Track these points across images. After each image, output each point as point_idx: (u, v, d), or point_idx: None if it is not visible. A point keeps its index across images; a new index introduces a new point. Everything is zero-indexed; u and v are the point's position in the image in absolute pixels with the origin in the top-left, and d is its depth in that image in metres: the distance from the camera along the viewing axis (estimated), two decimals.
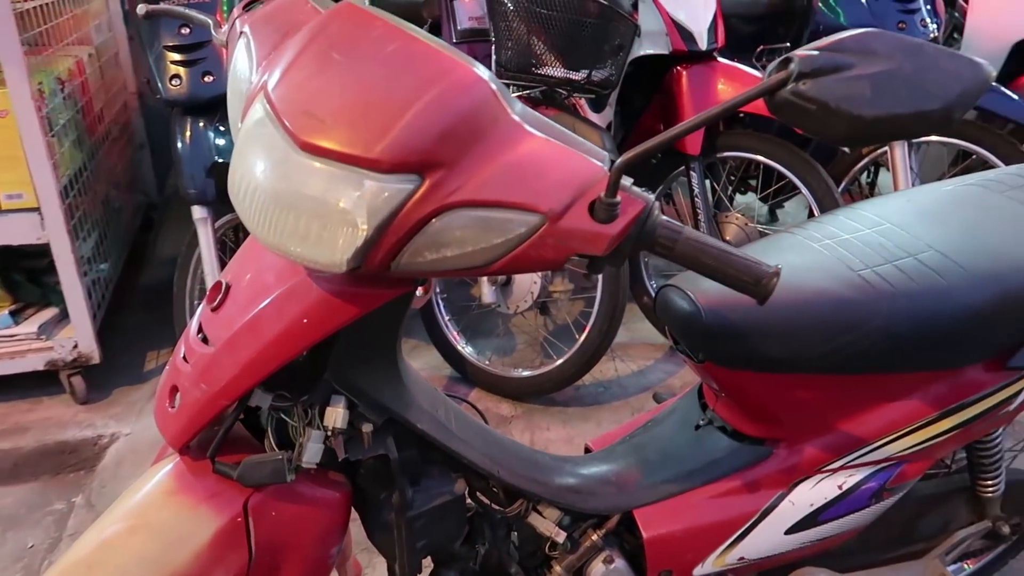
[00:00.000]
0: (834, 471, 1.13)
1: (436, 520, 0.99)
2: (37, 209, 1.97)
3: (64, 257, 2.03)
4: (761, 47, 2.91)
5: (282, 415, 0.88)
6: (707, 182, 2.18)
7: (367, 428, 0.89)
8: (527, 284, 2.05)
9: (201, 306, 0.89)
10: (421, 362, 2.36)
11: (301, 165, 0.69)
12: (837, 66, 0.66)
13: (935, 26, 2.26)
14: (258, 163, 0.71)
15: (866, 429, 1.11)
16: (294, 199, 0.69)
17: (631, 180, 0.77)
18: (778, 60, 0.69)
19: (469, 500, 1.09)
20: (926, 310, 1.02)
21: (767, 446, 1.14)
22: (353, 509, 0.99)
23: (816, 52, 0.67)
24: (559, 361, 2.07)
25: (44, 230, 1.99)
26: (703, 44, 2.08)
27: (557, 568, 1.12)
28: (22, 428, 2.12)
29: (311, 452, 0.86)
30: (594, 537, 1.12)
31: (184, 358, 0.87)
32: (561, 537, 1.10)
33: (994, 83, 2.32)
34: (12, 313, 2.20)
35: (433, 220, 0.70)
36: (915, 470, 1.16)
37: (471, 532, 1.12)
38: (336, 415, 0.87)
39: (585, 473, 1.17)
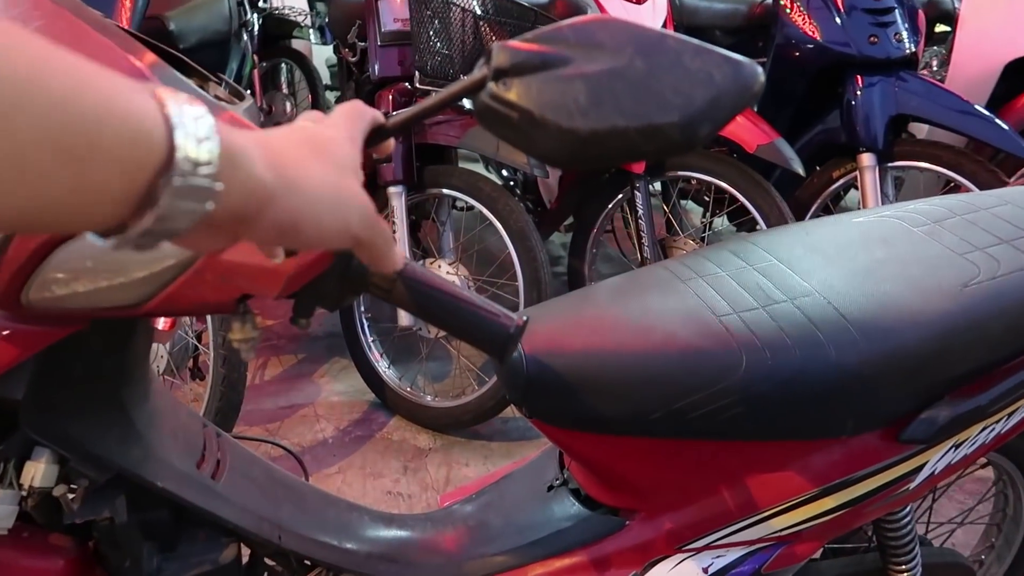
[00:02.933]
0: (698, 551, 0.95)
1: None
2: None
3: None
4: None
5: None
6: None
7: (81, 488, 0.74)
8: None
9: None
10: (345, 385, 2.22)
11: None
12: (546, 62, 0.49)
13: (912, 43, 2.07)
14: None
15: (733, 504, 0.93)
16: None
17: None
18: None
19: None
20: (792, 368, 0.84)
21: (621, 517, 0.97)
22: None
23: (525, 43, 0.51)
24: (479, 392, 1.91)
25: None
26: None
27: None
28: None
29: None
30: None
31: None
32: None
33: (984, 109, 2.13)
34: None
35: (58, 248, 0.55)
36: (799, 552, 0.97)
37: None
38: (36, 471, 0.72)
39: (407, 536, 1.01)
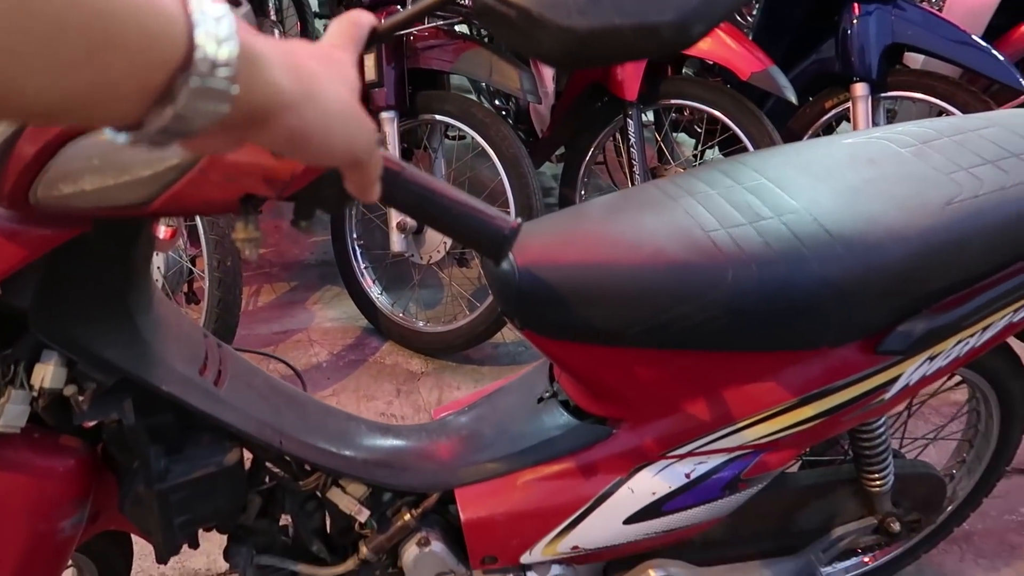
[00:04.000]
0: (681, 457, 1.00)
1: (200, 493, 0.88)
2: None
3: None
4: None
5: None
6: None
7: (89, 390, 0.77)
8: (440, 234, 1.90)
9: None
10: (338, 311, 2.25)
11: None
12: None
13: None
14: None
15: (717, 413, 0.98)
16: None
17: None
18: None
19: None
20: (776, 280, 0.87)
21: (608, 426, 1.01)
22: None
23: None
24: (470, 317, 1.94)
25: None
26: None
27: (363, 549, 1.01)
28: None
29: (10, 415, 0.74)
30: (407, 516, 1.01)
31: None
32: (363, 515, 0.99)
33: (982, 40, 2.12)
34: None
35: (65, 146, 0.56)
36: (777, 460, 1.02)
37: (270, 505, 1.01)
38: (46, 373, 0.75)
39: (404, 445, 1.05)
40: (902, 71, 2.16)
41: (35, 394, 0.75)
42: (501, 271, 0.89)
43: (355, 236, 2.08)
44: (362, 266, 2.09)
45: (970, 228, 0.91)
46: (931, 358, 0.98)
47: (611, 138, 2.15)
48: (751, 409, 0.97)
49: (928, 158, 1.00)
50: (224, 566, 1.57)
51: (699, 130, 2.48)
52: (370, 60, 1.79)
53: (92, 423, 0.82)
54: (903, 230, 0.90)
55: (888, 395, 0.99)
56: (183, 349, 0.86)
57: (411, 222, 1.90)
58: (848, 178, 0.98)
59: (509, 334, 2.08)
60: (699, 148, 2.47)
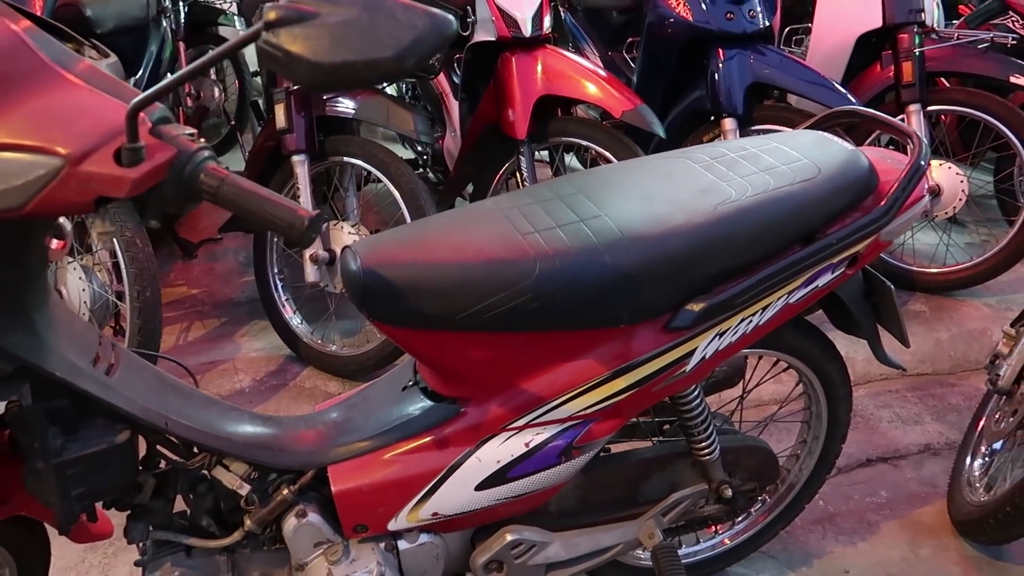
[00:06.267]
0: (520, 429, 1.17)
1: (93, 468, 1.02)
2: None
3: None
4: (630, 38, 2.98)
5: None
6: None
7: None
8: None
9: None
10: (263, 343, 2.40)
11: None
12: (301, 16, 0.70)
13: (767, 18, 2.32)
14: None
15: (544, 388, 1.15)
16: None
17: (188, 130, 0.81)
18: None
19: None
20: (574, 270, 1.07)
21: (457, 405, 1.18)
22: None
23: (288, 2, 0.72)
24: (381, 340, 2.11)
25: None
26: (527, 31, 2.13)
27: (248, 521, 1.16)
28: None
29: None
30: (285, 492, 1.15)
31: None
32: (245, 490, 1.14)
33: (841, 80, 2.40)
34: None
35: None
36: (603, 429, 1.20)
37: (164, 485, 1.16)
38: None
39: (282, 430, 1.20)
40: (767, 107, 2.43)
41: None
42: (352, 272, 1.07)
43: (276, 270, 2.25)
44: (283, 297, 2.25)
45: (735, 224, 1.12)
46: (720, 334, 1.18)
47: (512, 174, 2.36)
48: (572, 383, 1.15)
49: (713, 170, 1.21)
50: None
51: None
52: (280, 109, 1.99)
53: None
54: (680, 227, 1.10)
55: (688, 367, 1.18)
56: (76, 342, 1.02)
57: (323, 253, 2.08)
58: (644, 188, 1.19)
59: None
60: None
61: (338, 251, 2.11)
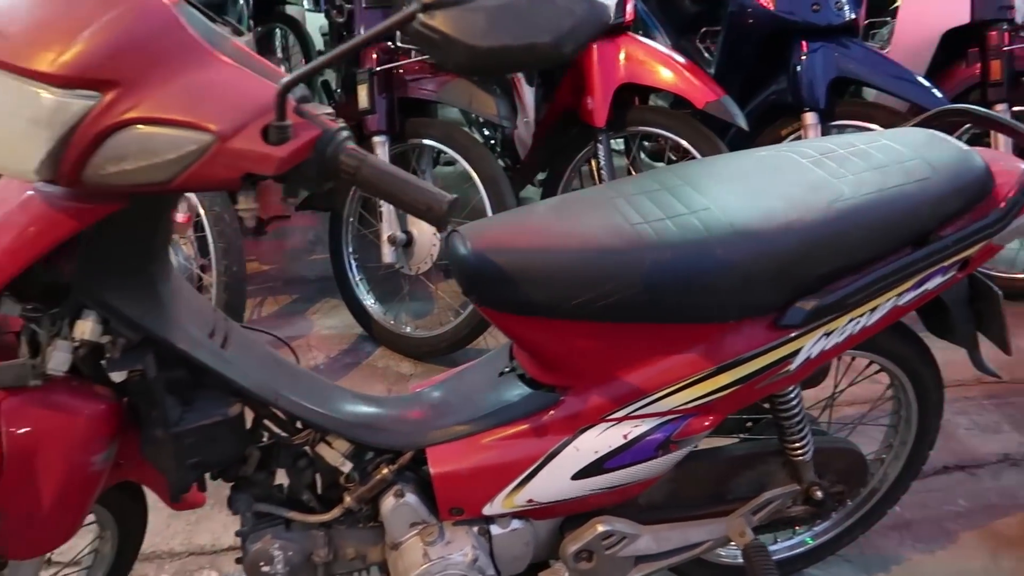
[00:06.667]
0: (619, 420, 1.17)
1: (207, 439, 1.05)
2: None
3: None
4: (704, 28, 2.94)
5: (34, 326, 0.94)
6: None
7: (119, 343, 0.95)
8: (427, 246, 2.10)
9: None
10: (335, 321, 2.43)
11: None
12: None
13: (852, 11, 2.27)
14: None
15: (646, 380, 1.15)
16: None
17: (326, 110, 0.81)
18: None
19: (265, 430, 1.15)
20: (686, 263, 1.06)
21: (556, 393, 1.18)
22: None
23: None
24: (455, 322, 2.13)
25: None
26: (610, 18, 2.10)
27: (347, 499, 1.18)
28: None
29: (56, 360, 0.92)
30: (385, 471, 1.17)
31: None
32: (347, 468, 1.16)
33: (926, 76, 2.33)
34: None
35: (113, 135, 0.75)
36: (701, 424, 1.19)
37: (267, 459, 1.18)
38: (85, 328, 0.93)
39: (383, 411, 1.22)
40: (849, 102, 2.37)
41: (76, 345, 0.93)
42: (461, 256, 1.07)
43: (351, 250, 2.28)
44: (357, 278, 2.28)
45: (849, 223, 1.10)
46: (827, 334, 1.16)
47: (586, 162, 2.35)
48: (675, 377, 1.14)
49: (823, 166, 1.19)
50: (227, 543, 1.74)
51: (674, 158, 2.69)
52: (363, 90, 2.00)
53: (120, 379, 0.99)
54: (793, 223, 1.09)
55: (793, 366, 1.17)
56: (195, 316, 1.04)
57: (400, 235, 2.10)
58: (754, 183, 1.17)
59: (491, 339, 2.26)
60: None
61: (414, 232, 2.12)
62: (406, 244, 2.11)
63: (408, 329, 2.22)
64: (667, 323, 1.10)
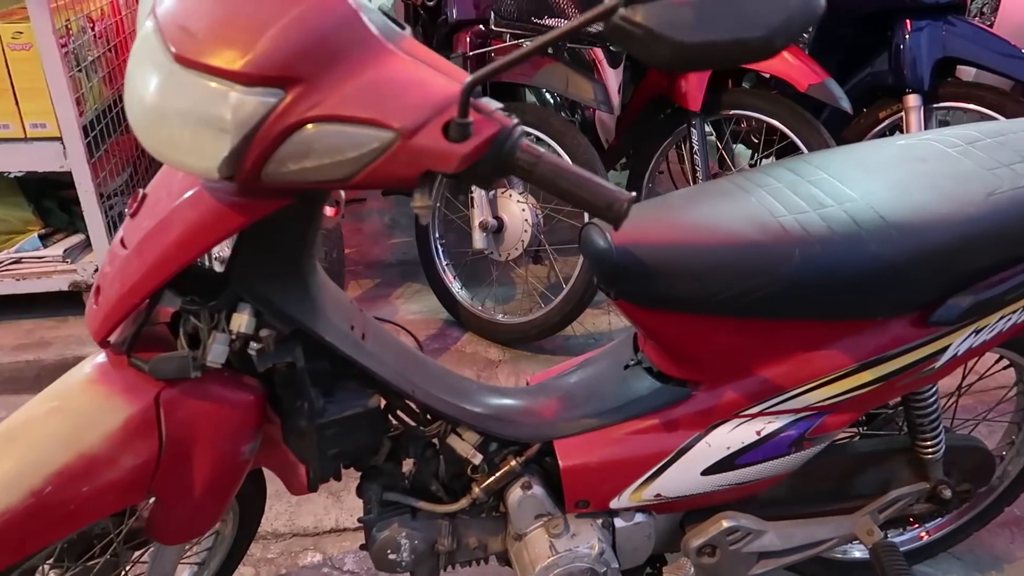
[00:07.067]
0: (752, 416, 1.15)
1: (348, 430, 1.05)
2: (59, 139, 2.09)
3: (85, 186, 2.15)
4: None
5: (193, 318, 0.95)
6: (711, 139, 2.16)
7: (271, 335, 0.95)
8: (518, 232, 2.08)
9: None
10: (420, 305, 2.43)
11: (177, 78, 0.74)
12: None
13: None
14: (143, 75, 0.77)
15: (784, 376, 1.12)
16: (170, 110, 0.75)
17: (499, 105, 0.80)
18: None
19: (395, 420, 1.16)
20: (837, 258, 1.02)
21: (688, 388, 1.16)
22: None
23: None
24: (545, 310, 2.11)
25: (66, 159, 2.12)
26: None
27: (476, 489, 1.18)
28: (45, 343, 2.28)
29: (215, 352, 0.92)
30: (513, 463, 1.16)
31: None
32: (478, 459, 1.15)
33: None
34: (41, 237, 2.35)
35: (295, 133, 0.75)
36: (837, 422, 1.16)
37: (396, 449, 1.18)
38: (241, 320, 0.93)
39: (510, 403, 1.21)
40: (953, 83, 2.28)
41: (233, 337, 0.94)
42: (602, 250, 1.05)
43: (437, 236, 2.27)
44: (444, 263, 2.27)
45: (1009, 216, 1.05)
46: (976, 331, 1.12)
47: (673, 147, 2.30)
48: (815, 373, 1.11)
49: (972, 156, 1.13)
50: (328, 525, 1.76)
51: (756, 140, 2.62)
52: None
53: (262, 369, 1.00)
54: (949, 217, 1.04)
55: (938, 364, 1.13)
56: (337, 308, 1.04)
57: (492, 221, 2.09)
58: (899, 173, 1.12)
59: (579, 327, 2.24)
60: (756, 157, 2.60)
61: (505, 219, 2.11)
62: (497, 230, 2.09)
63: (499, 316, 2.21)
64: (814, 320, 1.07)
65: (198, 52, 0.73)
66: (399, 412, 1.15)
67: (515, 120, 0.79)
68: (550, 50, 2.10)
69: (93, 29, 2.35)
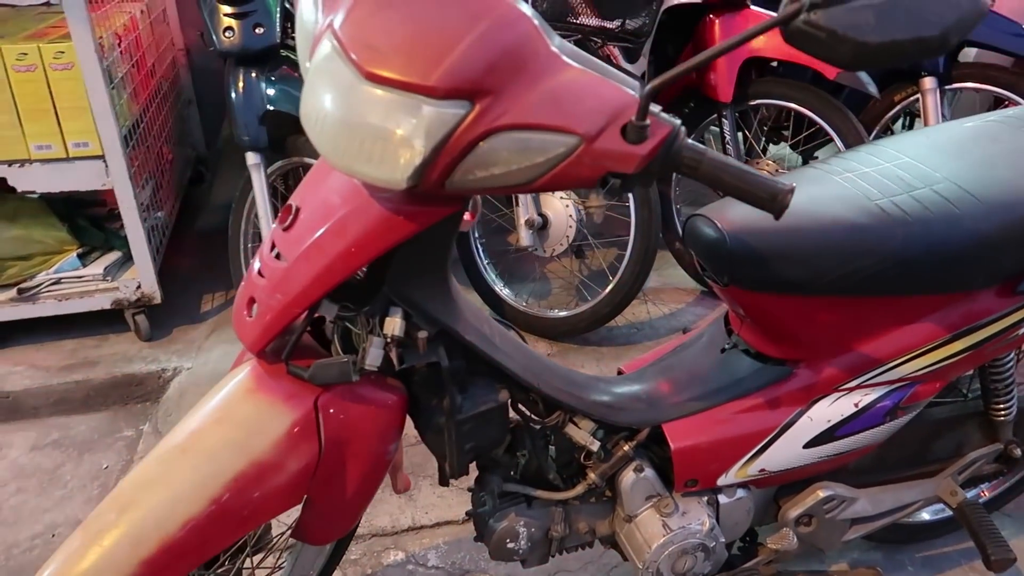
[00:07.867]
0: (851, 390, 1.21)
1: (481, 425, 1.10)
2: (102, 157, 2.10)
3: (127, 203, 2.16)
4: None
5: (347, 324, 0.98)
6: (738, 131, 2.23)
7: (422, 336, 0.99)
8: (562, 228, 2.13)
9: (273, 226, 1.00)
10: None
11: (365, 93, 0.78)
12: None
13: None
14: (327, 94, 0.80)
15: (882, 350, 1.19)
16: (360, 124, 0.79)
17: (660, 107, 0.85)
18: None
19: (512, 412, 1.20)
20: (938, 236, 1.09)
21: (788, 366, 1.22)
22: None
23: None
24: (593, 302, 2.17)
25: (108, 177, 2.12)
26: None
27: (591, 475, 1.23)
28: (92, 362, 2.28)
29: (372, 356, 0.96)
30: (625, 448, 1.21)
31: (259, 273, 0.97)
32: (595, 446, 1.20)
33: None
34: (79, 256, 2.35)
35: (482, 142, 0.79)
36: (928, 390, 1.23)
37: (512, 442, 1.23)
38: (394, 324, 0.97)
39: (617, 391, 1.26)
40: (963, 64, 2.37)
41: (388, 341, 0.98)
42: (713, 239, 1.11)
43: (477, 235, 2.32)
44: (484, 262, 2.32)
45: None
46: None
47: (702, 136, 2.37)
48: (911, 345, 1.18)
49: None
50: (405, 524, 1.80)
51: (785, 133, 2.70)
52: None
53: (408, 367, 1.03)
54: None
55: (1023, 330, 1.21)
56: (469, 308, 1.08)
57: (537, 218, 2.13)
58: (976, 153, 1.20)
59: (621, 319, 2.30)
60: (766, 143, 2.67)
61: (549, 215, 2.16)
62: (541, 227, 2.14)
63: (547, 311, 2.26)
64: (913, 295, 1.14)
65: (387, 68, 0.77)
66: (519, 405, 1.19)
67: (679, 121, 0.84)
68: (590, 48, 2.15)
69: (120, 45, 2.35)
